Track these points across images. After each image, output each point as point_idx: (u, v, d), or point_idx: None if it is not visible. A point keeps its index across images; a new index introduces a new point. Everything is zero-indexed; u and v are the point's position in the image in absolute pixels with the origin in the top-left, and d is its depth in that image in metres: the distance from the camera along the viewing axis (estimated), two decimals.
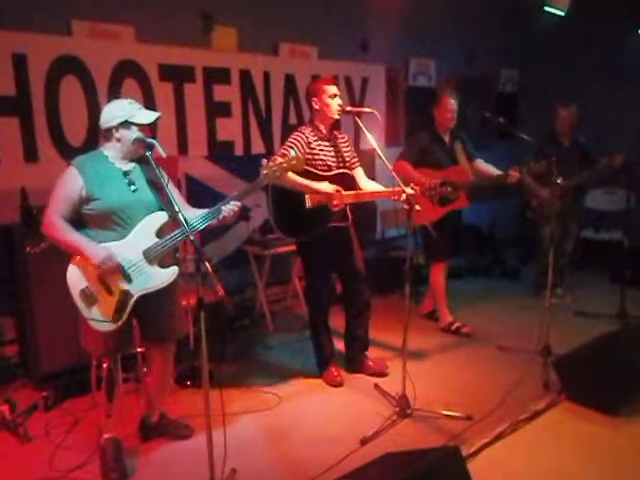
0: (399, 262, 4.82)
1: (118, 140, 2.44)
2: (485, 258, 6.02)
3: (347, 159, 3.44)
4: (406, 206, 2.98)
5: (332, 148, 3.38)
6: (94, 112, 3.71)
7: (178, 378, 3.40)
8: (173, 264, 2.50)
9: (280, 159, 2.62)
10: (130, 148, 2.45)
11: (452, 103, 4.02)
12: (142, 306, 2.45)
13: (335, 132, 3.44)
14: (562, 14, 5.45)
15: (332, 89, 3.30)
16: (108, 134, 2.45)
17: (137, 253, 2.40)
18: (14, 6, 3.36)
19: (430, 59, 5.93)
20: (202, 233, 2.54)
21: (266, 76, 4.66)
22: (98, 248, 2.34)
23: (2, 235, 3.41)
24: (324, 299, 3.51)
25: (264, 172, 2.54)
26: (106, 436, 2.62)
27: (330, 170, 3.33)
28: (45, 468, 2.61)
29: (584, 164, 4.65)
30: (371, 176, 3.56)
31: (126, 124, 2.41)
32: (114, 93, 3.77)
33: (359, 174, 3.46)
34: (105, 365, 2.56)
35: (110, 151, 2.47)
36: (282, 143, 3.41)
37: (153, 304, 2.47)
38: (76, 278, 2.38)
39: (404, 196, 2.99)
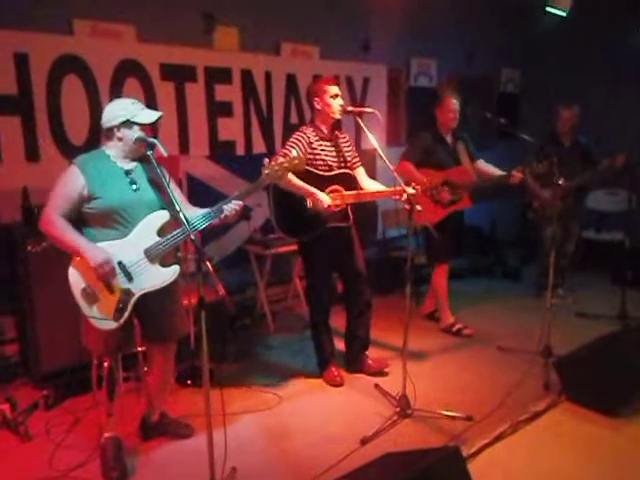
0: (400, 262, 4.83)
1: (120, 139, 2.44)
2: (486, 259, 6.02)
3: (348, 159, 3.43)
4: (407, 206, 2.98)
5: (333, 148, 3.38)
6: (96, 111, 3.72)
7: (179, 377, 3.40)
8: (174, 263, 2.50)
9: (282, 159, 2.62)
10: (132, 147, 2.45)
11: (454, 103, 4.02)
12: (143, 305, 2.45)
13: (336, 132, 3.44)
14: (564, 15, 5.45)
15: (334, 89, 3.30)
16: (110, 133, 2.45)
17: (138, 252, 2.41)
18: (16, 5, 3.36)
19: (431, 59, 5.93)
20: (203, 232, 2.54)
21: (268, 76, 4.67)
22: (96, 251, 2.34)
23: (3, 234, 3.41)
24: (325, 299, 3.51)
25: (266, 172, 2.54)
26: (107, 435, 2.62)
27: (331, 170, 3.33)
28: (45, 467, 2.61)
29: (585, 165, 4.65)
30: (372, 176, 3.56)
31: (128, 123, 2.41)
32: (115, 92, 3.77)
33: (360, 174, 3.46)
34: (106, 364, 2.56)
35: (112, 150, 2.48)
36: (283, 143, 3.42)
37: (154, 303, 2.48)
38: (77, 277, 2.38)
39: (405, 196, 2.99)
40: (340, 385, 3.45)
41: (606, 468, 2.61)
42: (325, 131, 3.37)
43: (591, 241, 5.77)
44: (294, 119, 4.86)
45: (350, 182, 3.35)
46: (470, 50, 6.15)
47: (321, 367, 3.55)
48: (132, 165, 2.50)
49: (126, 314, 2.40)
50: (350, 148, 3.48)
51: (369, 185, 3.42)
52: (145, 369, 3.08)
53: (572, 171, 4.39)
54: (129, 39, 3.88)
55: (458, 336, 4.18)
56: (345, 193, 3.30)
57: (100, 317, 2.38)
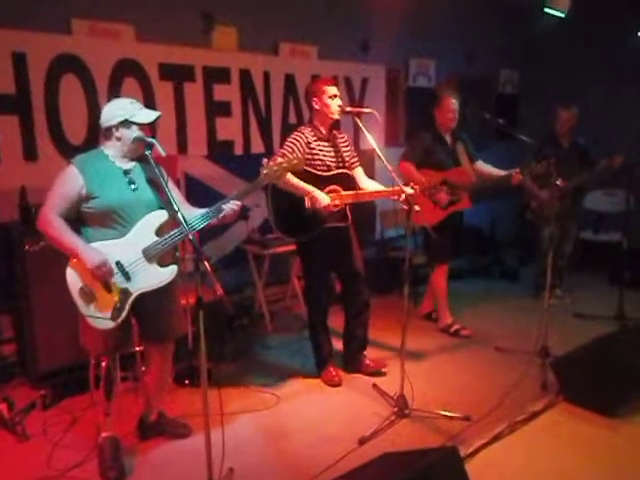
0: (398, 262, 4.82)
1: (118, 139, 2.44)
2: (484, 259, 6.02)
3: (347, 159, 3.43)
4: (405, 206, 2.98)
5: (331, 148, 3.38)
6: (94, 111, 3.72)
7: (176, 377, 3.40)
8: (172, 263, 2.50)
9: (280, 159, 2.62)
10: (130, 147, 2.45)
11: (453, 103, 4.01)
12: (141, 305, 2.45)
13: (335, 132, 3.44)
14: (562, 15, 5.46)
15: (332, 90, 3.30)
16: (108, 133, 2.45)
17: (136, 251, 2.41)
18: (14, 4, 3.35)
19: (430, 60, 5.93)
20: (201, 232, 2.54)
21: (266, 76, 4.67)
22: (93, 253, 2.33)
23: (1, 233, 3.41)
24: (323, 299, 3.51)
25: (264, 172, 2.54)
26: (104, 435, 2.62)
27: (329, 170, 3.33)
28: (43, 467, 2.61)
29: (583, 165, 4.65)
30: (370, 176, 3.55)
31: (126, 123, 2.41)
32: (114, 92, 3.77)
33: (359, 174, 3.46)
34: (104, 364, 2.56)
35: (110, 150, 2.48)
36: (282, 143, 3.41)
37: (152, 303, 2.48)
38: (75, 277, 2.38)
39: (403, 196, 3.00)
40: (338, 385, 3.45)
41: (604, 468, 2.61)
42: (323, 131, 3.37)
43: (589, 242, 5.78)
44: (292, 119, 4.86)
45: (348, 182, 3.35)
46: (469, 51, 6.16)
47: (319, 367, 3.55)
48: (131, 165, 2.50)
49: (124, 314, 2.40)
50: (349, 148, 3.48)
51: (368, 185, 3.42)
52: (143, 369, 3.08)
53: (570, 172, 4.39)
54: (127, 39, 3.88)
55: (456, 336, 4.19)
56: (343, 193, 3.30)
57: (98, 316, 2.38)
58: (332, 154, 3.37)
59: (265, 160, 2.60)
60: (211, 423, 2.19)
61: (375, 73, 5.44)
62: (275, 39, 4.69)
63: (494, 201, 5.68)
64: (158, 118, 2.49)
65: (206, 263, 2.08)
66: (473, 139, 4.31)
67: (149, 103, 3.88)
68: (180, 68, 4.17)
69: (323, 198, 3.19)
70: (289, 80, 4.81)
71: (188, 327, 3.33)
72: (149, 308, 2.49)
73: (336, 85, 3.38)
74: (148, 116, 2.45)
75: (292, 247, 3.87)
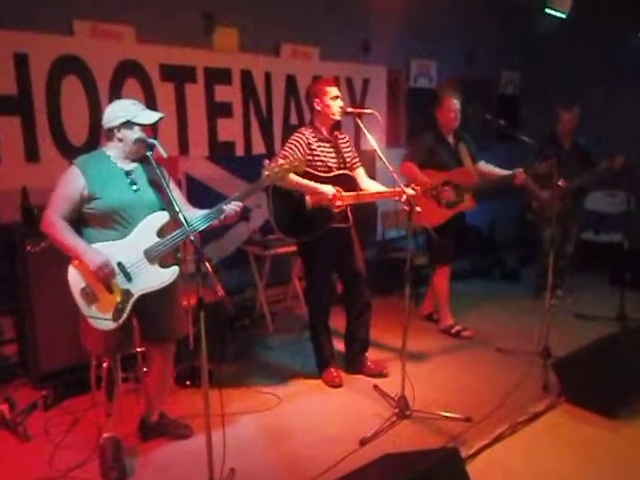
0: (399, 263, 4.82)
1: (120, 140, 2.45)
2: (485, 260, 6.02)
3: (348, 160, 3.44)
4: (406, 207, 2.98)
5: (332, 149, 3.38)
6: (95, 112, 3.73)
7: (178, 378, 3.40)
8: (174, 264, 2.50)
9: (282, 160, 2.62)
10: (132, 148, 2.46)
11: (455, 103, 4.00)
12: (142, 306, 2.45)
13: (336, 133, 3.44)
14: (563, 16, 5.46)
15: (334, 91, 3.30)
16: (110, 134, 2.46)
17: (138, 252, 2.41)
18: (15, 6, 3.36)
19: (431, 60, 5.93)
20: (202, 233, 2.55)
21: (267, 77, 4.67)
22: (95, 255, 2.34)
23: (3, 234, 3.41)
24: (324, 300, 3.51)
25: (266, 173, 2.54)
26: (105, 435, 2.62)
27: (330, 171, 3.33)
28: (44, 467, 2.61)
29: (584, 166, 4.65)
30: (371, 177, 3.55)
31: (128, 124, 2.42)
32: (115, 93, 3.78)
33: (360, 174, 3.46)
34: (105, 364, 2.56)
35: (112, 151, 2.48)
36: (283, 144, 3.42)
37: (153, 304, 2.48)
38: (77, 277, 2.39)
39: (404, 197, 2.99)
40: (339, 386, 3.45)
41: (605, 469, 2.61)
42: (324, 132, 3.37)
43: (590, 242, 5.77)
44: (294, 120, 4.86)
45: (349, 183, 3.34)
46: (470, 51, 6.16)
47: (320, 368, 3.55)
48: (132, 166, 2.50)
49: (125, 314, 2.40)
50: (350, 149, 3.48)
51: (369, 186, 3.42)
52: (144, 370, 3.08)
53: (571, 172, 4.38)
54: (129, 40, 3.89)
55: (457, 337, 4.18)
56: (345, 194, 3.30)
57: (99, 317, 2.38)
58: (333, 155, 3.37)
59: (267, 161, 2.60)
60: (212, 424, 2.19)
61: (376, 74, 5.44)
62: (276, 40, 4.69)
63: (494, 201, 5.67)
64: (160, 119, 2.49)
65: (207, 264, 2.08)
66: (474, 140, 4.31)
67: (150, 104, 3.88)
68: (181, 69, 4.17)
69: (328, 190, 3.19)
70: (290, 81, 4.81)
71: (189, 328, 3.33)
72: (150, 309, 2.50)
73: (337, 86, 3.39)
74: (150, 117, 2.46)
75: (293, 248, 3.88)
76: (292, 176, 3.05)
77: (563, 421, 3.02)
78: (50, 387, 3.20)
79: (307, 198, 3.26)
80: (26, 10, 3.39)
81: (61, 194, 2.38)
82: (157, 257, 2.44)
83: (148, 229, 2.45)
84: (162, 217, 2.48)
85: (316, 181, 3.25)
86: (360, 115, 3.40)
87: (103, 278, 2.34)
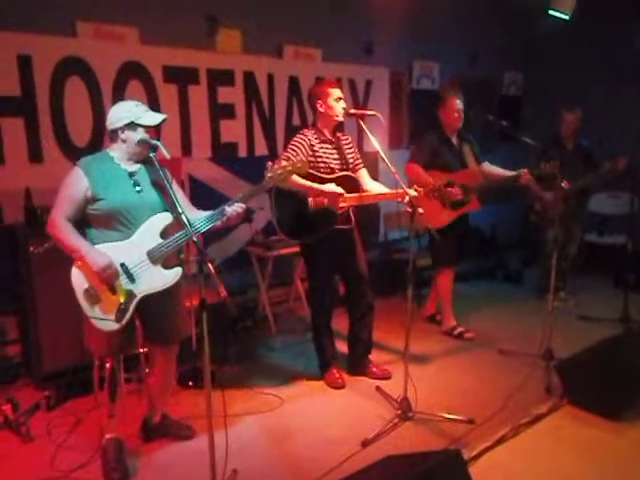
0: (402, 264, 4.82)
1: (124, 141, 2.46)
2: (488, 261, 6.01)
3: (350, 161, 3.44)
4: (409, 208, 2.98)
5: (335, 151, 3.38)
6: (98, 113, 3.74)
7: (180, 379, 3.40)
8: (177, 265, 2.51)
9: (285, 162, 2.63)
10: (135, 149, 2.46)
11: (458, 103, 3.98)
12: (145, 307, 2.46)
13: (338, 134, 3.44)
14: (566, 18, 5.45)
15: (337, 92, 3.30)
16: (114, 135, 2.47)
17: (141, 254, 2.41)
18: (19, 7, 3.37)
19: (434, 62, 5.93)
20: (205, 234, 2.55)
21: (270, 78, 4.68)
22: (98, 256, 2.35)
23: (6, 235, 3.42)
24: (327, 301, 3.51)
25: (269, 175, 2.55)
26: (108, 436, 2.62)
27: (333, 173, 3.33)
28: (47, 468, 2.62)
29: (587, 167, 4.65)
30: (374, 178, 3.55)
31: (132, 125, 2.42)
32: (118, 95, 3.78)
33: (363, 175, 3.46)
34: (108, 365, 2.57)
35: (116, 152, 2.49)
36: (285, 145, 3.42)
37: (156, 305, 2.48)
38: (80, 278, 2.39)
39: (407, 198, 2.99)
40: (341, 387, 3.45)
41: (608, 472, 2.61)
42: (327, 134, 3.37)
43: (593, 244, 5.76)
44: (296, 121, 4.86)
45: (352, 185, 3.34)
46: (472, 53, 6.16)
47: (322, 369, 3.55)
48: (136, 167, 2.51)
49: (128, 315, 2.41)
50: (352, 150, 3.48)
51: (372, 187, 3.41)
52: (147, 370, 3.09)
53: (574, 174, 4.38)
54: (132, 41, 3.90)
55: (460, 339, 4.18)
56: (348, 195, 3.30)
57: (102, 318, 2.39)
58: (336, 156, 3.37)
59: (270, 163, 2.61)
60: (215, 425, 2.19)
61: (379, 75, 5.44)
62: (279, 42, 4.70)
63: (496, 203, 5.67)
64: (164, 121, 2.50)
65: (210, 265, 2.08)
66: (477, 141, 4.31)
67: (153, 105, 3.88)
68: (184, 70, 4.18)
69: (334, 189, 3.19)
70: (293, 82, 4.82)
71: (192, 329, 3.33)
72: (153, 310, 2.50)
73: (340, 87, 3.39)
74: (154, 118, 2.47)
75: (296, 249, 3.88)
76: (295, 177, 3.05)
77: (566, 423, 3.01)
78: (53, 388, 3.20)
79: (310, 199, 3.26)
80: (29, 12, 3.41)
81: (65, 195, 2.40)
82: (160, 258, 2.44)
83: (151, 230, 2.45)
84: (165, 218, 2.48)
85: (319, 183, 3.25)
86: (363, 116, 3.40)
87: (106, 279, 2.35)
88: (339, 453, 2.68)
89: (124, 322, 2.40)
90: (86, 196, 2.39)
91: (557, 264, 3.47)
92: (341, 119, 3.33)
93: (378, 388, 3.37)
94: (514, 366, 3.64)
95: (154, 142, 2.42)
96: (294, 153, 3.20)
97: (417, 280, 3.60)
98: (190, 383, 3.43)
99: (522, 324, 4.40)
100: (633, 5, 5.74)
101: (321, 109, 3.31)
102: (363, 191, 3.37)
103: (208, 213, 2.48)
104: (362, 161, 3.50)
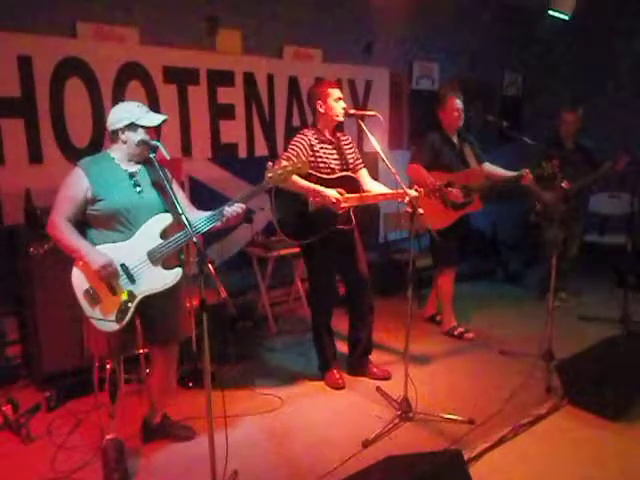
0: (402, 265, 4.83)
1: (124, 142, 2.46)
2: (488, 262, 6.00)
3: (350, 161, 3.43)
4: (409, 209, 2.98)
5: (335, 151, 3.38)
6: (98, 114, 3.74)
7: (180, 379, 3.40)
8: (177, 266, 2.51)
9: (285, 162, 2.62)
10: (135, 150, 2.47)
11: (458, 102, 3.97)
12: (146, 307, 2.46)
13: (338, 134, 3.44)
14: (566, 18, 5.45)
15: (336, 92, 3.30)
16: (114, 136, 2.47)
17: (141, 254, 2.41)
18: (19, 8, 3.37)
19: (433, 62, 5.93)
20: (205, 235, 2.55)
21: (270, 79, 4.68)
22: (98, 255, 2.35)
23: (6, 236, 3.42)
24: (327, 302, 3.51)
25: (269, 175, 2.55)
26: (108, 437, 2.62)
27: (333, 173, 3.33)
28: (47, 468, 2.62)
29: (588, 167, 4.64)
30: (374, 179, 3.55)
31: (132, 126, 2.43)
32: (118, 95, 3.79)
33: (363, 176, 3.46)
34: (108, 366, 2.57)
35: (116, 153, 2.49)
36: (285, 145, 3.42)
37: (156, 306, 2.48)
38: (80, 278, 2.39)
39: (407, 198, 2.99)
40: (342, 388, 3.44)
41: (608, 472, 2.60)
42: (327, 134, 3.37)
43: (594, 244, 5.76)
44: (296, 122, 4.86)
45: (352, 185, 3.34)
46: (472, 53, 6.16)
47: (323, 370, 3.55)
48: (136, 168, 2.51)
49: (128, 316, 2.40)
50: (352, 150, 3.48)
51: (372, 187, 3.41)
52: (147, 371, 3.09)
53: (575, 174, 4.38)
54: (132, 42, 3.90)
55: (460, 339, 4.17)
56: (348, 196, 3.30)
57: (102, 318, 2.39)
58: (336, 157, 3.37)
59: (270, 163, 2.60)
60: (215, 425, 2.19)
61: (379, 76, 5.44)
62: (279, 42, 4.70)
63: (497, 204, 5.67)
64: (164, 122, 2.50)
65: (210, 266, 2.08)
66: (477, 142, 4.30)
67: (153, 106, 3.88)
68: (184, 71, 4.18)
69: (331, 194, 3.19)
70: (293, 83, 4.82)
71: (192, 329, 3.33)
72: (154, 311, 2.50)
73: (340, 88, 3.39)
74: (154, 119, 2.47)
75: (296, 250, 3.88)
76: (295, 178, 3.05)
77: (566, 423, 3.01)
78: (53, 388, 3.20)
79: (310, 200, 3.26)
80: (29, 12, 3.41)
81: (65, 196, 2.40)
82: (160, 259, 2.44)
83: (151, 231, 2.45)
84: (165, 219, 2.48)
85: (319, 183, 3.25)
86: (363, 117, 3.40)
87: (106, 277, 2.35)
88: (339, 454, 2.68)
89: (124, 323, 2.40)
90: (86, 197, 2.39)
91: (557, 264, 3.47)
92: (341, 119, 3.33)
93: (378, 388, 3.37)
94: (514, 366, 3.64)
95: (154, 143, 2.42)
96: (294, 153, 3.20)
97: (417, 280, 3.60)
98: (190, 384, 3.43)
99: (522, 324, 4.41)
100: (633, 5, 5.74)
101: (321, 109, 3.31)
102: (363, 191, 3.37)
103: (208, 213, 2.48)
104: (362, 161, 3.50)
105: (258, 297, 4.60)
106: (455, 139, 4.09)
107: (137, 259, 2.41)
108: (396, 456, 2.34)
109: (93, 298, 2.38)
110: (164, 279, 2.45)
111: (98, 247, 2.39)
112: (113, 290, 2.39)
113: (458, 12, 5.57)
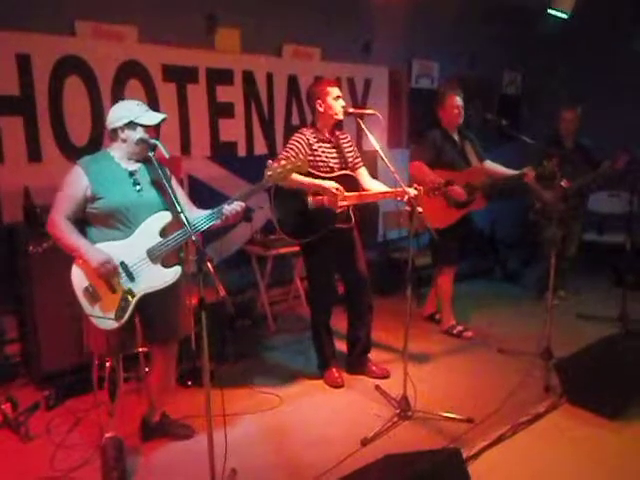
0: (401, 264, 4.83)
1: (124, 140, 2.46)
2: (487, 260, 6.01)
3: (350, 160, 3.43)
4: (408, 207, 2.98)
5: (334, 149, 3.38)
6: (97, 112, 3.74)
7: (179, 378, 3.40)
8: (176, 264, 2.51)
9: (284, 161, 2.63)
10: (134, 149, 2.47)
11: (458, 100, 3.96)
12: (145, 305, 2.46)
13: (337, 133, 3.44)
14: (565, 17, 5.45)
15: (336, 91, 3.30)
16: (114, 134, 2.47)
17: (141, 252, 2.42)
18: (17, 6, 3.37)
19: (433, 61, 5.93)
20: (204, 233, 2.55)
21: (269, 77, 4.68)
22: (97, 252, 2.35)
23: (5, 234, 3.42)
24: (326, 300, 3.52)
25: (268, 173, 2.54)
26: (107, 435, 2.61)
27: (332, 171, 3.33)
28: (46, 467, 2.62)
29: (587, 166, 4.64)
30: (373, 177, 3.55)
31: (131, 125, 2.43)
32: (117, 93, 3.78)
33: (363, 174, 3.46)
34: (107, 364, 2.57)
35: (116, 151, 2.49)
36: (284, 144, 3.41)
37: (156, 304, 2.48)
38: (80, 276, 2.39)
39: (406, 197, 2.99)
40: (340, 386, 3.45)
41: (607, 470, 2.61)
42: (326, 133, 3.36)
43: (593, 243, 5.76)
44: (295, 120, 4.86)
45: (352, 183, 3.34)
46: (472, 52, 6.15)
47: (322, 368, 3.55)
48: (136, 166, 2.51)
49: (127, 314, 2.41)
50: (352, 148, 3.48)
51: (372, 186, 3.41)
52: (146, 370, 3.09)
53: (574, 173, 4.38)
54: (131, 40, 3.89)
55: (459, 338, 4.18)
56: (347, 194, 3.30)
57: (102, 316, 2.39)
58: (334, 155, 3.37)
59: (269, 162, 2.60)
60: (214, 424, 2.19)
61: (378, 74, 5.44)
62: (278, 40, 4.69)
63: (495, 202, 5.66)
64: (163, 120, 2.50)
65: (209, 264, 2.08)
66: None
67: (152, 104, 3.86)
68: (183, 70, 4.18)
69: (331, 185, 3.18)
70: (292, 81, 4.82)
71: (192, 327, 3.33)
72: (153, 309, 2.50)
73: (339, 86, 3.39)
74: (153, 118, 2.47)
75: (295, 248, 3.88)
76: (294, 175, 3.05)
77: (564, 422, 3.02)
78: (52, 387, 3.20)
79: (309, 198, 3.26)
80: (28, 11, 3.40)
81: (65, 194, 2.40)
82: (159, 257, 2.44)
83: (151, 229, 2.45)
84: (164, 217, 2.48)
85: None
86: (362, 116, 3.40)
87: (105, 274, 2.35)
88: (338, 452, 2.68)
89: (124, 321, 2.40)
90: (86, 195, 2.39)
91: (556, 263, 3.47)
92: (340, 117, 3.33)
93: (377, 387, 3.37)
94: (513, 365, 3.64)
95: (153, 141, 2.43)
96: (293, 152, 3.20)
97: (416, 279, 3.60)
98: (189, 382, 3.43)
99: (521, 323, 4.41)
100: (633, 5, 5.74)
101: (320, 108, 3.31)
102: (363, 190, 3.37)
103: (207, 212, 2.48)
104: (361, 160, 3.50)
105: (257, 296, 4.60)
106: (456, 136, 4.08)
107: (136, 257, 2.41)
108: (395, 454, 2.35)
109: (92, 296, 2.38)
110: (163, 277, 2.45)
111: (97, 245, 2.39)
112: (112, 288, 2.39)
113: (458, 11, 5.56)
